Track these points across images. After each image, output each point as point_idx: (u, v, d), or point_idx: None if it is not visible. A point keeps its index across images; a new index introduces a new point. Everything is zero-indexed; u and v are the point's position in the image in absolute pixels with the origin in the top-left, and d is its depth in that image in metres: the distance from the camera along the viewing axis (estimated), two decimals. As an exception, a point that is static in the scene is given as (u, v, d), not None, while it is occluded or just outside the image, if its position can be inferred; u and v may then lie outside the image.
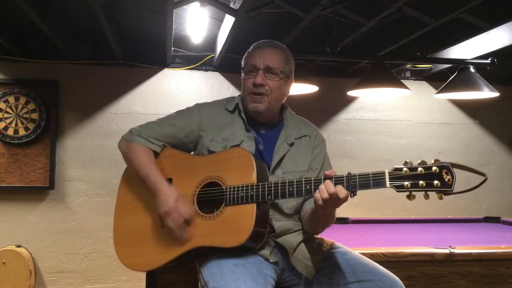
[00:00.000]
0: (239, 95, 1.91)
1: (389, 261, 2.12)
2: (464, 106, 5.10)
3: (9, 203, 4.32)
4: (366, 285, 1.63)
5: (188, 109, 1.91)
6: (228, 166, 1.72)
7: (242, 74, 1.86)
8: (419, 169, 1.43)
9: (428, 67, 4.81)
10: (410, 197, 1.45)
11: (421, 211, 4.54)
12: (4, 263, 4.04)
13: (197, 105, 1.92)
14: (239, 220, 1.63)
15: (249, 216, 1.61)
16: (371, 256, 2.04)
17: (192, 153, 1.90)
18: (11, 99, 4.28)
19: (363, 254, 1.79)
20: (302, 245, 1.75)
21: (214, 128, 1.84)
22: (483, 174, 1.43)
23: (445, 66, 4.51)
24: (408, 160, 1.47)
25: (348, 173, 1.52)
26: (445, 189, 1.41)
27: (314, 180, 1.57)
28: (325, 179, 1.53)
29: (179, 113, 1.91)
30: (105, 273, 4.43)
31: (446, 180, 1.41)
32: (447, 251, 2.21)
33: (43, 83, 4.34)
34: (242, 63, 1.87)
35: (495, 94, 3.31)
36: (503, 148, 5.21)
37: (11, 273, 4.05)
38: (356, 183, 1.49)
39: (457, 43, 3.81)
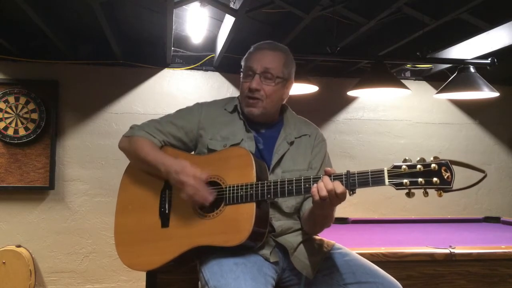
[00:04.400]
0: (238, 96, 1.91)
1: (389, 261, 2.12)
2: (464, 106, 5.10)
3: (9, 203, 4.32)
4: (366, 287, 1.63)
5: (188, 108, 1.92)
6: (228, 165, 1.72)
7: (241, 75, 1.86)
8: (418, 166, 1.43)
9: (428, 67, 4.81)
10: (409, 194, 1.45)
11: (421, 211, 4.53)
12: (4, 263, 4.04)
13: (197, 104, 1.93)
14: (239, 219, 1.63)
15: (248, 215, 1.61)
16: (371, 256, 2.04)
17: (193, 153, 1.90)
18: (11, 99, 4.28)
19: (363, 254, 1.80)
20: (303, 245, 1.75)
21: (213, 126, 1.84)
22: (482, 171, 1.43)
23: (445, 66, 4.51)
24: (407, 158, 1.47)
25: (347, 171, 1.51)
26: (444, 186, 1.41)
27: (313, 178, 1.57)
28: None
29: (179, 112, 1.92)
30: (105, 273, 4.43)
31: (445, 177, 1.41)
32: (447, 251, 2.21)
33: (43, 83, 4.34)
34: (242, 64, 1.87)
35: (495, 94, 3.31)
36: (503, 148, 5.21)
37: (11, 273, 4.05)
38: (355, 181, 1.49)
39: (457, 43, 3.81)
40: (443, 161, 1.42)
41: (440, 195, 1.42)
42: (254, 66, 1.79)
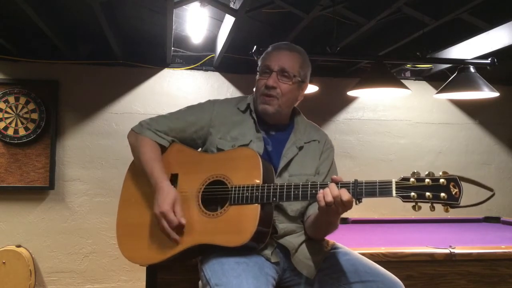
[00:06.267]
0: (252, 95, 1.91)
1: (389, 261, 2.12)
2: (464, 106, 5.10)
3: (9, 203, 4.32)
4: (367, 286, 1.63)
5: (199, 105, 1.91)
6: (235, 166, 1.72)
7: (257, 74, 1.85)
8: (427, 180, 1.43)
9: (428, 67, 4.81)
10: (415, 207, 1.45)
11: (421, 211, 4.53)
12: (4, 263, 4.04)
13: (209, 101, 1.92)
14: (243, 220, 1.63)
15: (252, 217, 1.61)
16: (371, 256, 2.04)
17: (200, 149, 1.90)
18: (11, 99, 4.28)
19: (363, 254, 1.79)
20: (304, 246, 1.75)
21: (224, 125, 1.84)
22: (490, 189, 1.43)
23: (445, 66, 4.51)
24: (415, 171, 1.47)
25: (354, 180, 1.51)
26: (452, 202, 1.41)
27: (320, 184, 1.57)
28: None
29: (190, 108, 1.91)
30: (105, 273, 4.42)
31: (453, 193, 1.41)
32: (447, 251, 2.21)
33: (43, 83, 4.34)
34: (258, 63, 1.87)
35: (495, 94, 3.31)
36: (503, 148, 5.21)
37: (11, 273, 4.05)
38: (362, 190, 1.49)
39: (457, 43, 3.81)
40: (452, 177, 1.42)
41: (446, 211, 1.42)
42: (271, 64, 1.79)
